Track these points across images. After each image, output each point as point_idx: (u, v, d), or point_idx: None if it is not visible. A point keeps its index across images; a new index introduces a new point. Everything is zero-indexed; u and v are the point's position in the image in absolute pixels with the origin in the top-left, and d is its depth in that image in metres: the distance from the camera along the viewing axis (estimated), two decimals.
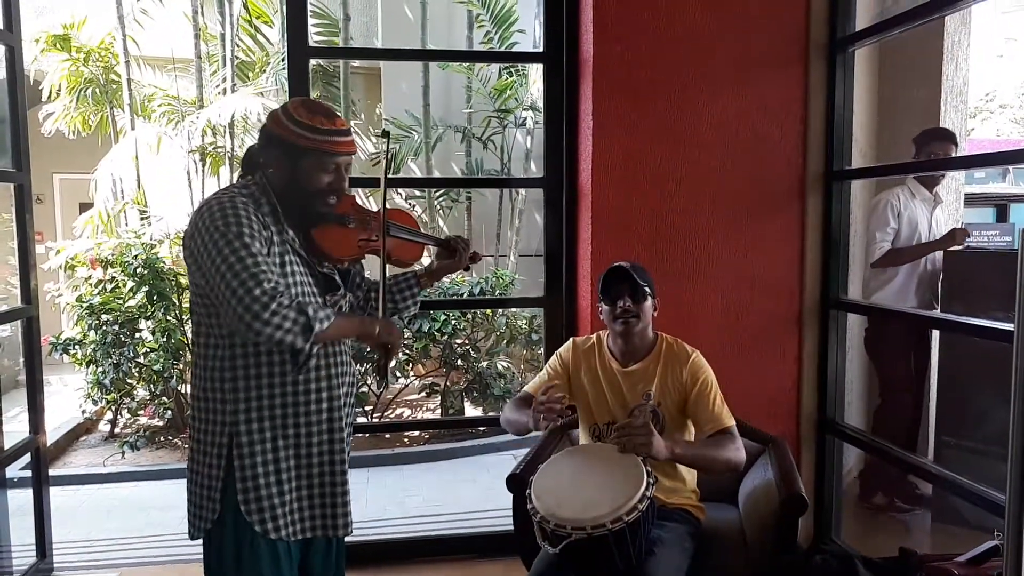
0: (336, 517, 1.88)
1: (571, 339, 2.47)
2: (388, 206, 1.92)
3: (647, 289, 2.26)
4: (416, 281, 2.14)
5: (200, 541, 1.83)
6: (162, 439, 5.70)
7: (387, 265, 1.95)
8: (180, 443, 5.74)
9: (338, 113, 1.85)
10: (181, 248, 1.83)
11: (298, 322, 1.65)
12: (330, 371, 1.85)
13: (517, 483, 2.35)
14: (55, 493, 3.25)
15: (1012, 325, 1.11)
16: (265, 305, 1.61)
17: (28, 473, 3.22)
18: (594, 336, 2.42)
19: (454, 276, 6.19)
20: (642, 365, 2.31)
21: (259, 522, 1.76)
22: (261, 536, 1.76)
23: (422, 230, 2.11)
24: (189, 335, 4.61)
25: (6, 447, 2.96)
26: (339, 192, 1.85)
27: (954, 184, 4.41)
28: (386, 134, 2.01)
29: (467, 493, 4.73)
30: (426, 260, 2.28)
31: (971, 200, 7.87)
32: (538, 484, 2.04)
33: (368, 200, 6.36)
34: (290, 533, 1.81)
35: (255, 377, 1.77)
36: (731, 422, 2.23)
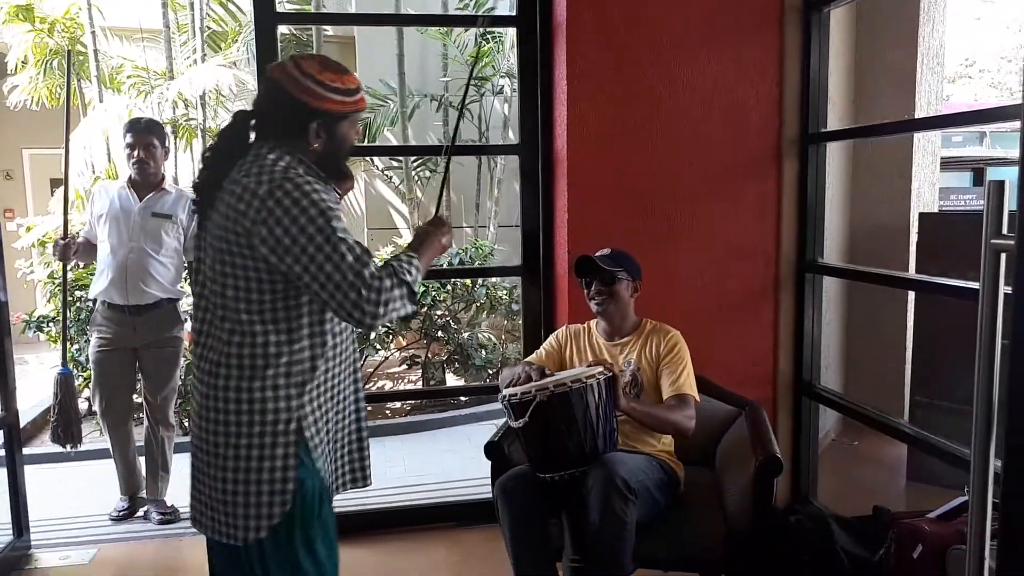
0: (365, 469, 1.92)
1: (565, 325, 2.67)
2: None
3: (619, 275, 2.41)
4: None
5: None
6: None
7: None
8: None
9: (344, 66, 1.76)
10: (226, 230, 1.60)
11: (404, 295, 1.61)
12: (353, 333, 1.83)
13: (495, 450, 2.37)
14: (32, 471, 3.23)
15: (978, 284, 1.11)
16: (378, 293, 1.55)
17: (2, 452, 3.19)
18: (585, 325, 2.58)
19: (397, 238, 6.16)
20: (625, 339, 2.47)
21: (334, 483, 1.81)
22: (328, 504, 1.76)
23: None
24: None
25: None
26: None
27: (931, 148, 4.42)
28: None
29: (448, 463, 4.74)
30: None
31: (948, 164, 7.93)
32: (505, 376, 2.31)
33: None
34: (340, 488, 1.86)
35: (320, 355, 1.68)
36: (691, 391, 2.35)
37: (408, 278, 1.62)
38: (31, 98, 6.78)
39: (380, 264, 1.61)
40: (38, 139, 7.74)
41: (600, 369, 2.14)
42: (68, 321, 5.07)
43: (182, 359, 3.57)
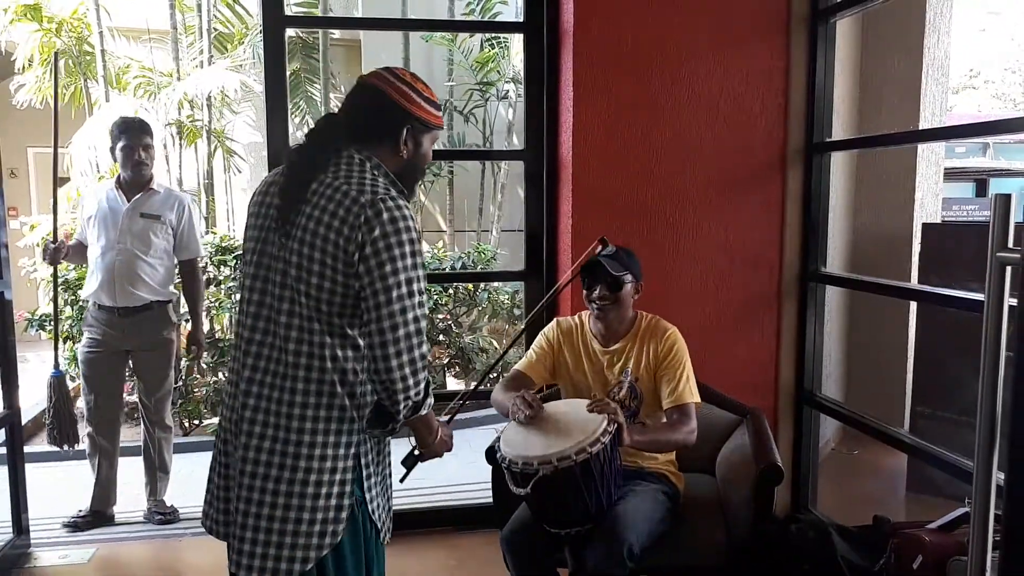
0: (390, 519, 1.80)
1: (555, 319, 2.51)
2: None
3: (626, 278, 2.30)
4: None
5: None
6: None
7: None
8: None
9: None
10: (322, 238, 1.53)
11: (420, 395, 1.57)
12: None
13: (496, 455, 2.36)
14: (33, 470, 3.23)
15: (982, 295, 1.12)
16: (417, 370, 1.54)
17: (3, 450, 3.19)
18: (576, 317, 2.46)
19: (435, 249, 6.17)
20: (621, 345, 2.37)
21: (388, 531, 1.73)
22: (375, 541, 1.69)
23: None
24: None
25: None
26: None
27: (934, 158, 4.43)
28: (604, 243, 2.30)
29: (448, 467, 4.72)
30: None
31: (951, 175, 7.92)
32: (505, 436, 2.13)
33: None
34: (389, 534, 1.76)
35: (363, 383, 1.63)
36: (691, 399, 2.27)
37: (429, 400, 1.61)
38: (36, 97, 6.80)
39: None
40: (43, 138, 7.75)
41: (604, 425, 1.99)
42: (66, 322, 5.10)
43: (174, 360, 3.55)
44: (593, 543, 2.03)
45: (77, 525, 3.37)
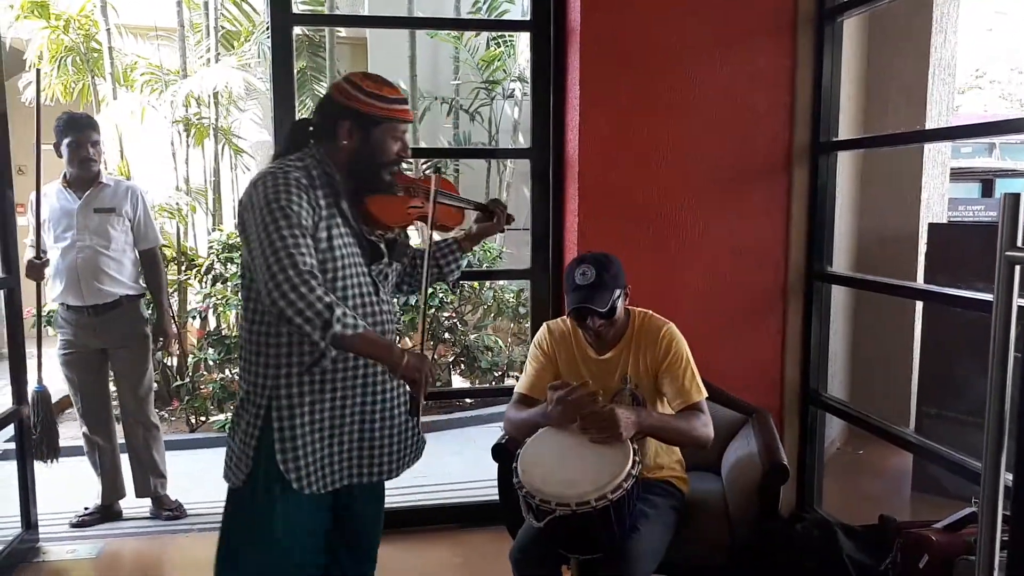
0: (373, 465, 1.94)
1: (544, 325, 2.40)
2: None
3: (616, 302, 2.16)
4: (458, 246, 2.19)
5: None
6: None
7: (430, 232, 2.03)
8: (166, 415, 5.72)
9: (392, 83, 1.90)
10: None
11: (321, 315, 1.64)
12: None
13: (502, 453, 2.37)
14: (40, 465, 3.24)
15: (991, 295, 1.12)
16: (294, 286, 1.63)
17: (12, 445, 3.21)
18: (567, 320, 2.33)
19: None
20: (616, 351, 2.26)
21: (296, 479, 1.81)
22: (294, 490, 1.82)
23: (463, 196, 2.16)
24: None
25: None
26: (406, 159, 1.91)
27: (940, 158, 4.42)
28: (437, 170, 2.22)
29: (453, 464, 4.74)
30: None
31: (957, 175, 7.91)
32: (524, 458, 2.04)
33: None
34: (321, 486, 1.86)
35: (297, 344, 1.79)
36: (700, 397, 2.20)
37: (337, 313, 1.66)
38: (45, 94, 6.81)
39: (326, 291, 1.69)
40: (51, 135, 7.77)
41: (628, 468, 1.91)
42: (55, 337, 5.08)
43: (152, 356, 3.50)
44: (602, 574, 1.99)
45: (85, 523, 3.39)
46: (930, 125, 4.16)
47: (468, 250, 2.21)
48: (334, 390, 1.85)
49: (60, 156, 3.34)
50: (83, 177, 3.32)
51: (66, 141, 3.29)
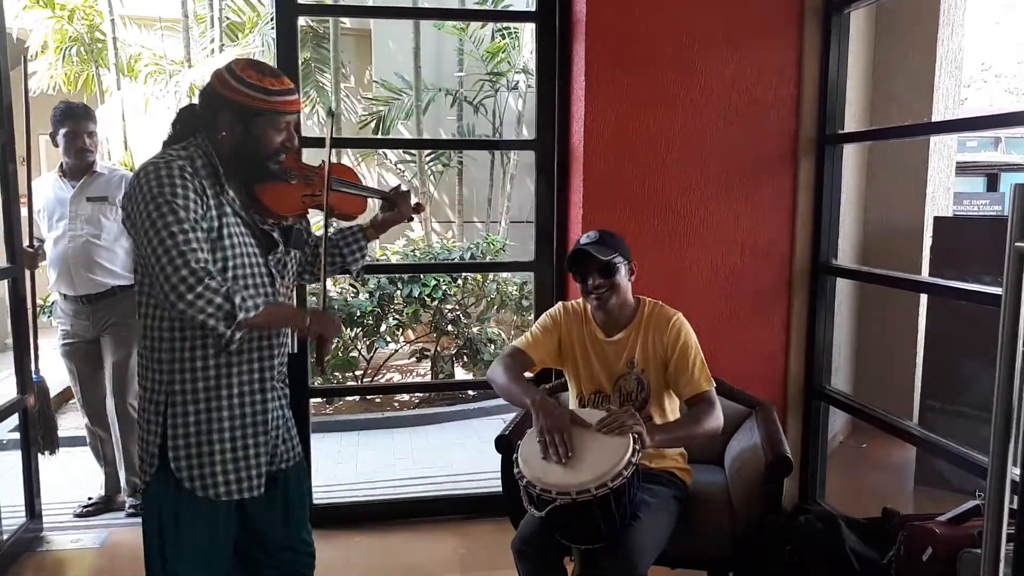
0: (252, 477, 1.85)
1: (560, 302, 2.46)
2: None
3: (616, 260, 2.21)
4: (363, 234, 2.14)
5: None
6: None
7: (334, 219, 2.00)
8: None
9: (281, 73, 1.86)
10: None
11: (222, 308, 1.65)
12: (264, 336, 1.84)
13: (506, 444, 2.37)
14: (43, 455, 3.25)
15: (1000, 289, 1.11)
16: (191, 287, 1.62)
17: (17, 435, 3.22)
18: (580, 302, 2.38)
19: (444, 240, 6.16)
20: (624, 334, 2.29)
21: (188, 479, 1.78)
22: (191, 492, 1.78)
23: (361, 183, 2.11)
24: None
25: None
26: (291, 150, 1.86)
27: (946, 152, 4.41)
28: (331, 113, 2.02)
29: (456, 456, 4.76)
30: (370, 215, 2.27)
31: (962, 169, 7.88)
32: (524, 449, 2.05)
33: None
34: (216, 495, 1.80)
35: (190, 339, 1.77)
36: (709, 386, 2.23)
37: (237, 302, 1.66)
38: (49, 84, 6.82)
39: (221, 281, 1.68)
40: (45, 124, 7.77)
41: (628, 456, 1.92)
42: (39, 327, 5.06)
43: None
44: (602, 563, 2.00)
45: (88, 513, 3.39)
46: (936, 118, 4.14)
47: (373, 238, 2.16)
48: (230, 387, 1.80)
49: (56, 145, 3.33)
50: (78, 166, 3.31)
51: (62, 131, 3.28)
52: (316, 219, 2.21)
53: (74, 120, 3.29)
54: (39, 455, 3.22)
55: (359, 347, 5.88)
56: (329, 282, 1.98)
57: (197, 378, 1.77)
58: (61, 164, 3.35)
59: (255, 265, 1.81)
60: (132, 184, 1.71)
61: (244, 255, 1.78)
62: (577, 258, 2.22)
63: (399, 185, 2.21)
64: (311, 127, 7.62)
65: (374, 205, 2.19)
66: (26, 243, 3.25)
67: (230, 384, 1.80)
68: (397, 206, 2.11)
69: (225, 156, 1.79)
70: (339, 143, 2.18)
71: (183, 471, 1.77)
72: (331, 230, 2.12)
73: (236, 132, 1.77)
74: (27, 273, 3.25)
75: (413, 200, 2.15)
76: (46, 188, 3.35)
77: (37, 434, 3.21)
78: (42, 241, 3.32)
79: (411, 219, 2.21)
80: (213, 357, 1.78)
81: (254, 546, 1.96)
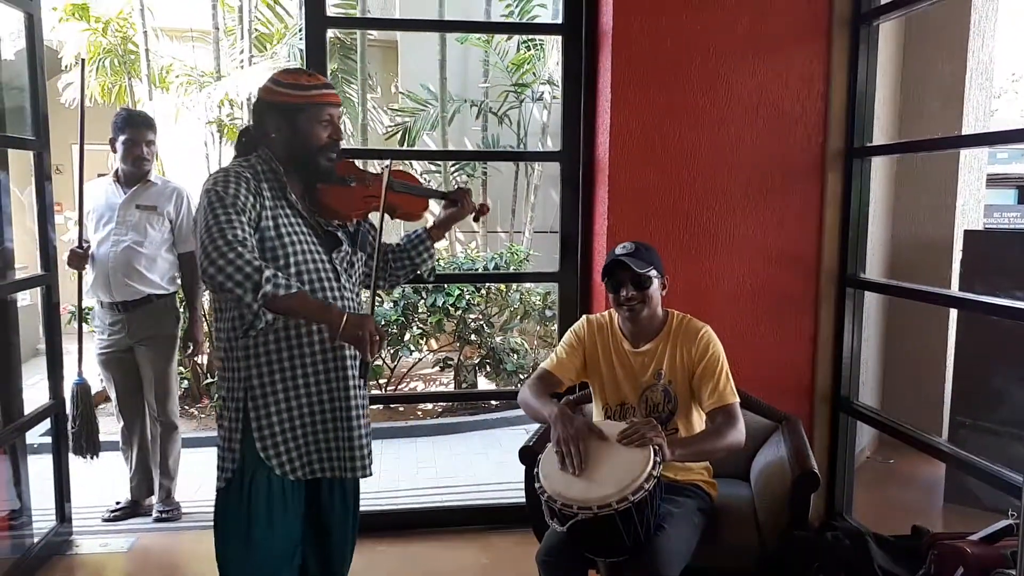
0: (349, 459, 1.97)
1: (584, 316, 2.46)
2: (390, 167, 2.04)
3: (651, 273, 2.23)
4: (427, 235, 2.22)
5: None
6: (180, 408, 5.75)
7: (398, 222, 2.09)
8: (196, 412, 5.81)
9: (313, 72, 1.99)
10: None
11: (251, 278, 1.71)
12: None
13: (530, 456, 2.36)
14: (74, 459, 3.30)
15: None
16: (223, 253, 1.70)
17: (48, 440, 3.27)
18: (606, 314, 2.39)
19: (468, 250, 6.18)
20: (652, 345, 2.29)
21: (278, 465, 1.88)
22: (278, 477, 1.89)
23: (421, 184, 2.20)
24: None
25: (26, 413, 3.00)
26: (339, 143, 1.95)
27: (977, 164, 4.35)
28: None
29: (480, 466, 4.76)
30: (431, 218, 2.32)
31: (992, 181, 7.77)
32: (545, 463, 2.05)
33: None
34: (304, 474, 1.93)
35: (264, 334, 1.86)
36: (734, 400, 2.22)
37: (267, 274, 1.72)
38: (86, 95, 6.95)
39: (257, 258, 1.74)
40: (87, 135, 7.91)
41: (649, 469, 1.91)
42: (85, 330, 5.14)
43: (176, 356, 3.48)
44: (630, 574, 1.99)
45: (116, 517, 3.43)
46: (967, 130, 4.09)
47: (439, 238, 2.24)
48: (306, 375, 1.90)
49: (115, 152, 3.38)
50: (134, 174, 3.36)
51: (122, 138, 3.34)
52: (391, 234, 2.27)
53: (134, 128, 3.35)
54: (81, 457, 3.27)
55: (383, 356, 5.92)
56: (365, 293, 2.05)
57: (274, 371, 1.88)
58: (116, 170, 3.41)
59: (319, 262, 1.90)
60: (201, 193, 1.83)
61: (306, 251, 1.88)
62: (612, 268, 2.23)
63: (461, 187, 2.29)
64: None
65: (435, 207, 2.28)
66: (76, 244, 3.33)
67: (306, 374, 1.90)
68: (459, 202, 2.19)
69: (282, 158, 1.91)
70: (366, 154, 2.25)
71: (272, 459, 1.88)
72: (398, 237, 2.22)
73: (284, 131, 1.90)
74: (76, 275, 3.34)
75: (473, 198, 2.22)
76: (98, 192, 3.41)
77: (78, 435, 3.26)
78: (89, 242, 3.36)
79: (476, 219, 2.31)
80: (287, 350, 1.87)
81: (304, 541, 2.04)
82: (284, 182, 1.90)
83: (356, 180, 2.00)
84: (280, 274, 1.76)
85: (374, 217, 2.06)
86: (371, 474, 2.02)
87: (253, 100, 2.04)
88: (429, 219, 2.28)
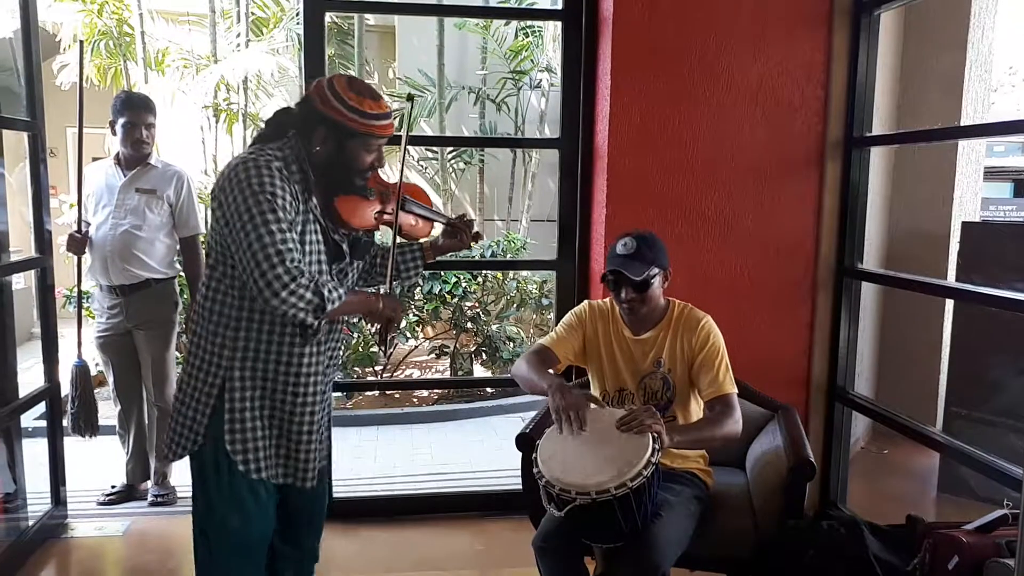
0: (303, 471, 1.95)
1: (587, 300, 2.46)
2: (405, 182, 2.03)
3: (652, 274, 2.21)
4: (421, 253, 2.22)
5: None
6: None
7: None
8: None
9: (381, 94, 1.89)
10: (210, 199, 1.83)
11: (312, 302, 1.72)
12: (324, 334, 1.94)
13: (526, 442, 2.37)
14: (70, 442, 3.30)
15: None
16: (285, 284, 1.69)
17: (43, 423, 3.26)
18: (608, 300, 2.39)
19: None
20: (652, 333, 2.30)
21: (242, 462, 1.87)
22: (241, 474, 1.87)
23: (433, 206, 2.20)
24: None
25: (21, 396, 2.99)
26: (378, 169, 1.94)
27: (975, 156, 4.35)
28: (411, 98, 2.33)
29: (475, 453, 4.77)
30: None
31: (989, 174, 7.77)
32: (544, 448, 2.05)
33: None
34: (268, 476, 1.91)
35: (257, 330, 1.84)
36: (732, 389, 2.23)
37: (326, 294, 1.74)
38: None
39: (310, 276, 1.74)
40: (90, 111, 7.85)
41: (648, 455, 1.91)
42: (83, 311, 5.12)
43: (175, 341, 3.46)
44: (624, 562, 2.00)
45: (111, 501, 3.43)
46: (965, 122, 4.09)
47: (430, 260, 2.24)
48: (287, 374, 1.88)
49: (115, 134, 3.34)
50: (134, 157, 3.33)
51: (121, 121, 3.30)
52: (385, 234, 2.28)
53: (134, 110, 3.31)
54: (80, 437, 3.27)
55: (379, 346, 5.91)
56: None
57: (257, 367, 1.85)
58: (117, 153, 3.37)
59: (322, 273, 1.87)
60: (229, 175, 1.75)
61: (315, 262, 1.85)
62: (613, 271, 2.21)
63: (464, 214, 2.29)
64: None
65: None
66: (75, 229, 3.31)
67: (286, 383, 1.88)
68: (459, 234, 2.19)
69: (316, 166, 1.85)
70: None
71: (238, 454, 1.86)
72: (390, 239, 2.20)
73: (329, 147, 1.84)
74: (74, 259, 3.32)
75: (474, 230, 2.23)
76: (98, 175, 3.38)
77: (76, 416, 3.26)
78: (89, 225, 3.34)
79: (470, 247, 2.30)
80: (275, 347, 1.85)
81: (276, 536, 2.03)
82: (311, 187, 1.84)
83: (376, 194, 1.99)
84: (329, 285, 1.76)
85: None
86: (314, 485, 1.99)
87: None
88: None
